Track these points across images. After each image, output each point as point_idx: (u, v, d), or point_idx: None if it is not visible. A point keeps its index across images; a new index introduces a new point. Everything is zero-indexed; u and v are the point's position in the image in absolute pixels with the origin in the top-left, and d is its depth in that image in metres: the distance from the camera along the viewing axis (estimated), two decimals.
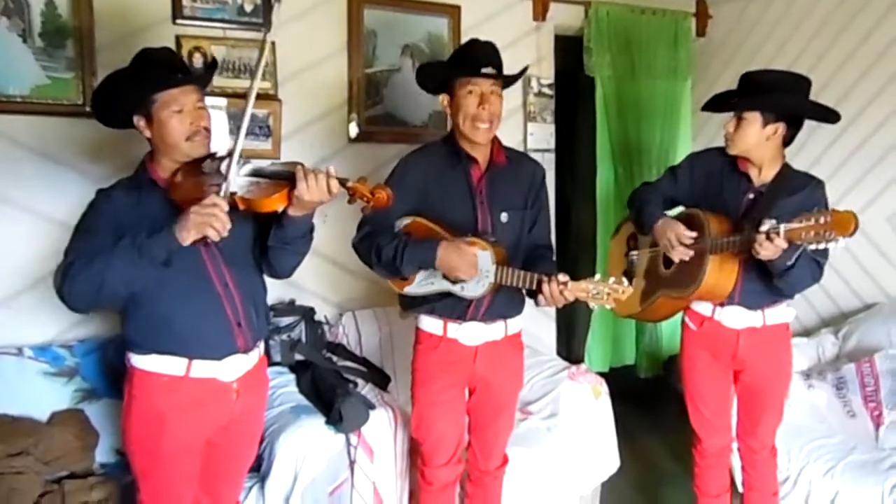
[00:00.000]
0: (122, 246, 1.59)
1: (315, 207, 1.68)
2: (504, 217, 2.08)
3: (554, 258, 2.23)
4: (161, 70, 1.69)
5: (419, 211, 2.06)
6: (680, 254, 2.19)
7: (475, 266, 1.93)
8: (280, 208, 1.64)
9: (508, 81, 2.11)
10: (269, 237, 1.75)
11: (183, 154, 1.71)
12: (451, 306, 2.05)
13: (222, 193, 1.58)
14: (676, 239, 2.19)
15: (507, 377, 2.20)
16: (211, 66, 1.97)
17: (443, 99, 2.09)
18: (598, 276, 1.87)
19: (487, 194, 2.08)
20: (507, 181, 2.11)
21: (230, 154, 1.62)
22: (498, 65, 2.03)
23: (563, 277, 1.87)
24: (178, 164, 1.72)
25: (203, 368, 1.73)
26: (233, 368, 1.77)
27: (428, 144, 2.20)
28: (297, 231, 1.72)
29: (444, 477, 2.20)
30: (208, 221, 1.55)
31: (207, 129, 1.73)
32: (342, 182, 1.62)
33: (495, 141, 2.12)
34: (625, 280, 1.86)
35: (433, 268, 1.97)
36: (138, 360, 1.73)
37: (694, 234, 2.17)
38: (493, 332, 2.12)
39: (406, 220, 2.06)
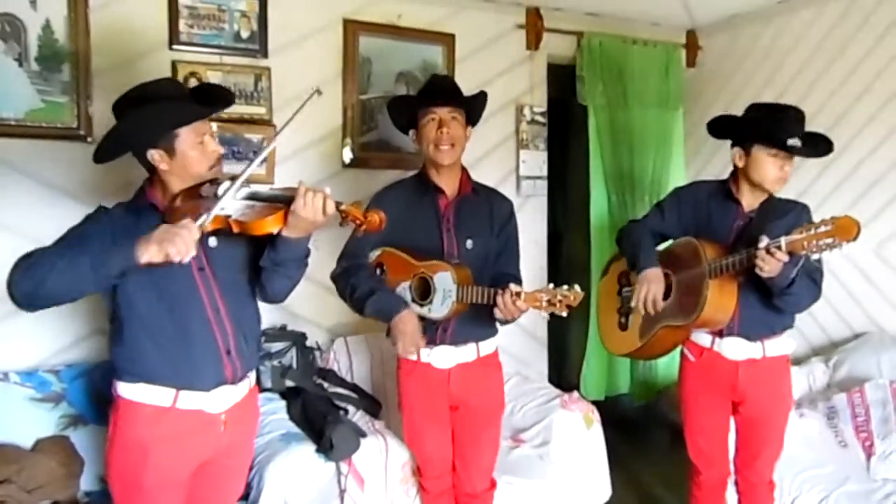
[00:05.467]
0: (79, 252, 1.52)
1: (310, 230, 1.66)
2: (469, 244, 2.19)
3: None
4: (181, 104, 1.68)
5: (393, 240, 2.16)
6: (644, 305, 2.23)
7: (417, 345, 2.07)
8: (274, 230, 1.63)
9: (473, 108, 2.20)
10: (262, 258, 1.73)
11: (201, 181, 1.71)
12: (422, 330, 2.10)
13: (200, 221, 1.54)
14: (653, 298, 2.22)
15: (485, 397, 2.26)
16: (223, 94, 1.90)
17: (412, 135, 2.22)
18: (550, 285, 1.90)
19: (454, 222, 2.19)
20: (473, 210, 2.23)
21: (232, 179, 1.62)
22: (454, 94, 2.16)
23: (515, 288, 1.93)
24: (179, 189, 1.70)
25: (190, 399, 1.69)
26: (221, 400, 1.73)
27: (401, 180, 2.33)
28: (291, 253, 1.71)
29: (440, 485, 2.29)
30: (171, 239, 1.47)
31: (220, 156, 1.74)
32: (336, 205, 1.63)
33: (464, 173, 2.24)
34: (577, 286, 1.89)
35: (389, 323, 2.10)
36: (125, 389, 1.69)
37: (663, 304, 2.22)
38: (464, 354, 2.20)
39: (377, 252, 2.20)
